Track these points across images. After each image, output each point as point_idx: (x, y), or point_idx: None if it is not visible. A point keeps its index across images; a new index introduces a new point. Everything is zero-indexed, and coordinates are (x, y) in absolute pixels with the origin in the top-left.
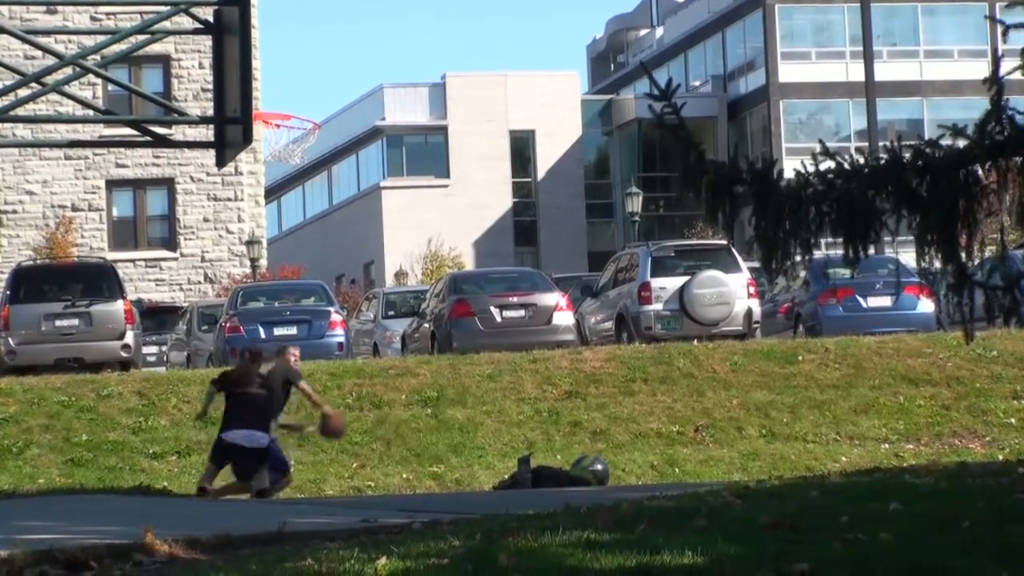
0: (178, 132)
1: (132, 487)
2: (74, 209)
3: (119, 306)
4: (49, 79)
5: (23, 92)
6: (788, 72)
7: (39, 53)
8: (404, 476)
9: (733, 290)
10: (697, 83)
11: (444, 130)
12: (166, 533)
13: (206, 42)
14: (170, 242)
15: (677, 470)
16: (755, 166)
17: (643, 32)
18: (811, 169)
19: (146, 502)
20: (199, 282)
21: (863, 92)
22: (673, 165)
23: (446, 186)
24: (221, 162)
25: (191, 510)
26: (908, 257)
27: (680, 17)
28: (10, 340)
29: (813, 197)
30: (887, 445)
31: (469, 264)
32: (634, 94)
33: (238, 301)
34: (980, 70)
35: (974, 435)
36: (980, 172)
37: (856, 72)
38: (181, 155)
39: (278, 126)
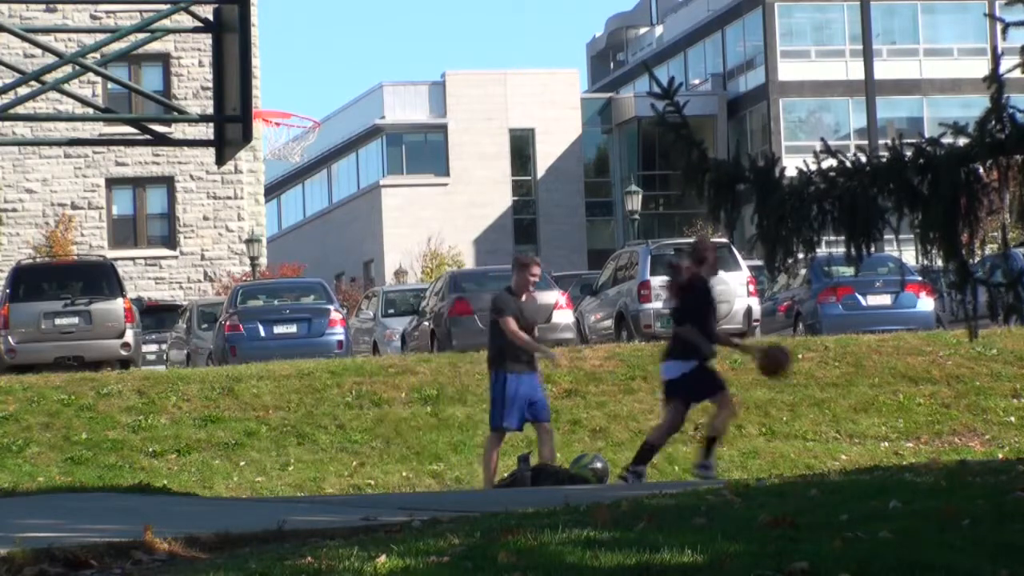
0: (178, 130)
1: (132, 485)
2: (74, 207)
3: (119, 304)
4: (49, 77)
5: (23, 90)
6: (788, 70)
7: (39, 51)
8: (404, 474)
9: (732, 288)
10: (697, 81)
11: (444, 128)
12: (166, 531)
13: (206, 40)
14: (170, 240)
15: (677, 468)
16: (757, 164)
17: (643, 30)
18: (813, 167)
19: (146, 500)
20: (199, 280)
21: (863, 90)
22: (673, 163)
23: (446, 184)
24: (221, 160)
25: (191, 508)
26: (907, 256)
27: (680, 15)
28: (10, 338)
29: (815, 195)
30: (887, 443)
31: (469, 262)
32: (634, 92)
33: (238, 299)
34: (980, 68)
35: (974, 433)
36: (981, 170)
37: (856, 70)
38: (181, 153)
39: (278, 124)
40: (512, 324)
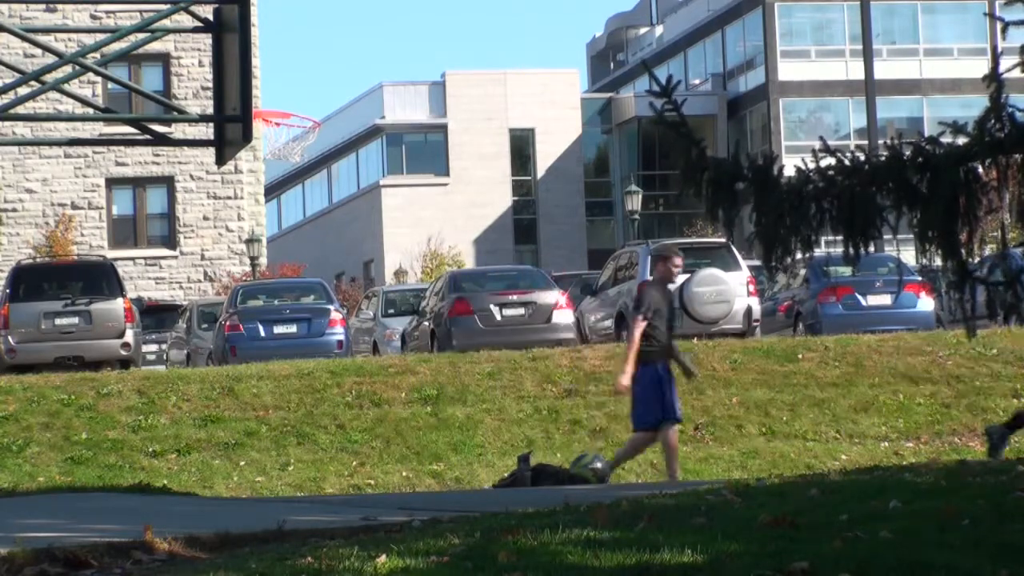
0: (178, 130)
1: (132, 485)
2: (74, 207)
3: (119, 304)
4: (49, 77)
5: (23, 90)
6: (788, 70)
7: (39, 51)
8: (404, 474)
9: (733, 288)
10: (697, 81)
11: (444, 128)
12: (166, 531)
13: (206, 40)
14: (170, 240)
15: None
16: (756, 162)
17: (643, 30)
18: (812, 166)
19: (146, 500)
20: (199, 280)
21: (863, 90)
22: (673, 163)
23: (446, 184)
24: (221, 160)
25: (191, 508)
26: (907, 256)
27: (680, 15)
28: (10, 338)
29: (814, 193)
30: (887, 443)
31: (469, 262)
32: (634, 92)
33: (238, 299)
34: (979, 68)
35: (974, 433)
36: (980, 169)
37: (856, 70)
38: (181, 153)
39: (278, 124)
40: (638, 324)
